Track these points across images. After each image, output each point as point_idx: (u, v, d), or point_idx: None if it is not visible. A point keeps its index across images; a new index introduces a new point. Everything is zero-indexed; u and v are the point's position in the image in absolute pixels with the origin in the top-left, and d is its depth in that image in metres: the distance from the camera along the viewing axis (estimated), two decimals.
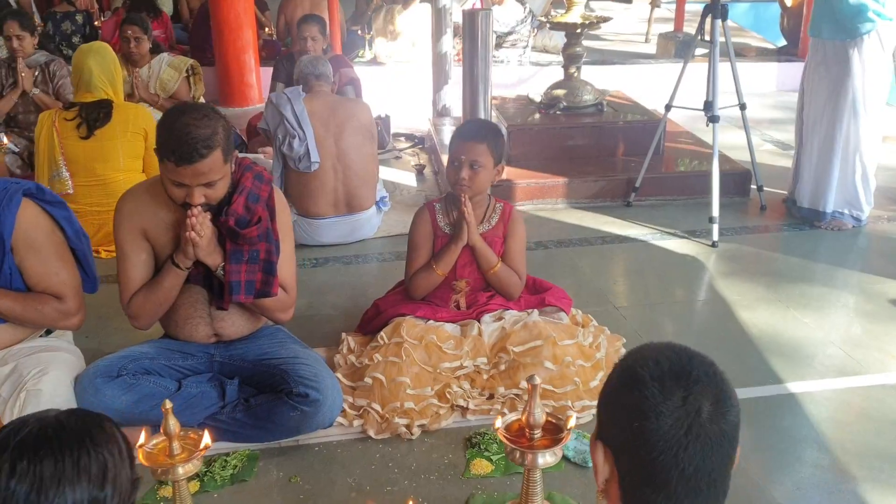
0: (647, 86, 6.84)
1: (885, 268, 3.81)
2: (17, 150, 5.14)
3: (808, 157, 4.19)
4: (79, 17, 7.74)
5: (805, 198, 4.24)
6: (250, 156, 4.80)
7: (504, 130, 4.98)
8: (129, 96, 5.53)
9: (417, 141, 5.92)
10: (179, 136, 2.28)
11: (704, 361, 1.16)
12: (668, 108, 4.43)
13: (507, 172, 4.68)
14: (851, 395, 2.78)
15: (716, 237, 4.02)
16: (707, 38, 4.22)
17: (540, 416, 2.03)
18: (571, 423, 2.03)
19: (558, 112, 5.10)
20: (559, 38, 8.86)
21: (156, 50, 5.63)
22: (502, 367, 2.72)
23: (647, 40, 9.43)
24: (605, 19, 5.16)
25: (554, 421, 2.08)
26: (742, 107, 4.39)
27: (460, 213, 2.82)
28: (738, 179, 4.71)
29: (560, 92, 5.14)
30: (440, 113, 6.14)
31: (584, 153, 4.92)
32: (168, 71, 5.57)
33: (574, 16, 5.00)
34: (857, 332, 3.22)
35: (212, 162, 2.31)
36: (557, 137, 4.93)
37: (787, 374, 2.90)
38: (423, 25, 7.42)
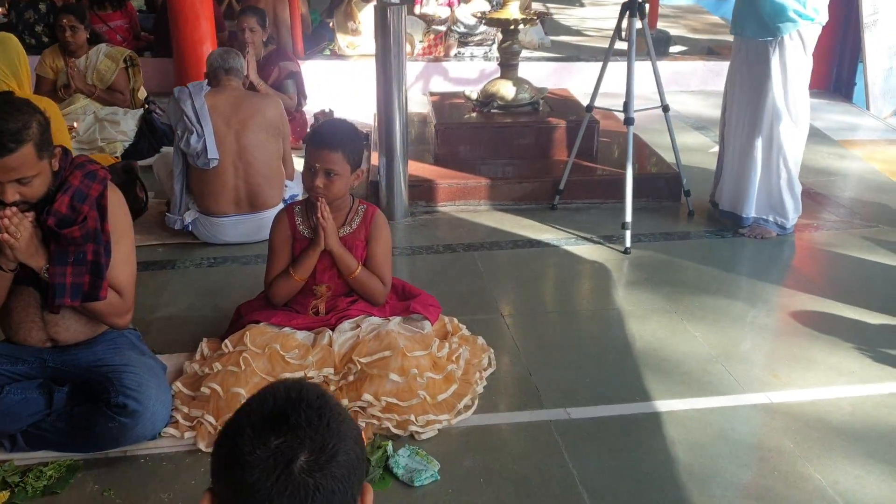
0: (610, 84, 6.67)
1: (798, 279, 3.66)
2: None
3: (729, 158, 4.04)
4: (42, 6, 7.68)
5: (726, 201, 4.10)
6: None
7: (432, 129, 4.87)
8: (66, 87, 5.47)
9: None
10: None
11: (314, 405, 1.05)
12: (588, 108, 4.29)
13: (430, 171, 4.58)
14: (716, 416, 2.64)
15: (628, 244, 3.88)
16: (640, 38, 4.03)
17: None
18: None
19: (493, 110, 4.98)
20: (535, 34, 8.75)
21: (94, 40, 5.56)
22: (351, 378, 2.61)
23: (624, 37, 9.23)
24: (544, 15, 5.02)
25: None
26: (665, 108, 4.23)
27: (316, 219, 2.71)
28: (671, 183, 4.56)
29: (495, 89, 5.01)
30: None
31: (515, 153, 4.79)
32: (105, 61, 5.49)
33: (510, 12, 4.87)
34: (746, 347, 3.08)
35: (21, 157, 2.22)
36: (487, 136, 4.81)
37: (658, 392, 2.77)
38: None
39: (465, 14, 7.53)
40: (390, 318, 2.82)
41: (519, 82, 5.03)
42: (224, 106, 3.87)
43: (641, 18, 4.01)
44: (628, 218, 3.89)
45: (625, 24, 4.04)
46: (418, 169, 4.62)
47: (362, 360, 2.60)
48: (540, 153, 4.80)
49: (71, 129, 4.91)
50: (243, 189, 3.88)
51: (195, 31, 6.82)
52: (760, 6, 3.74)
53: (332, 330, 2.74)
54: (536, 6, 8.56)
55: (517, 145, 4.79)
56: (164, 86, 7.04)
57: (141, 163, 4.74)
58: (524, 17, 4.88)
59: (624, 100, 4.01)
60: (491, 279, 3.64)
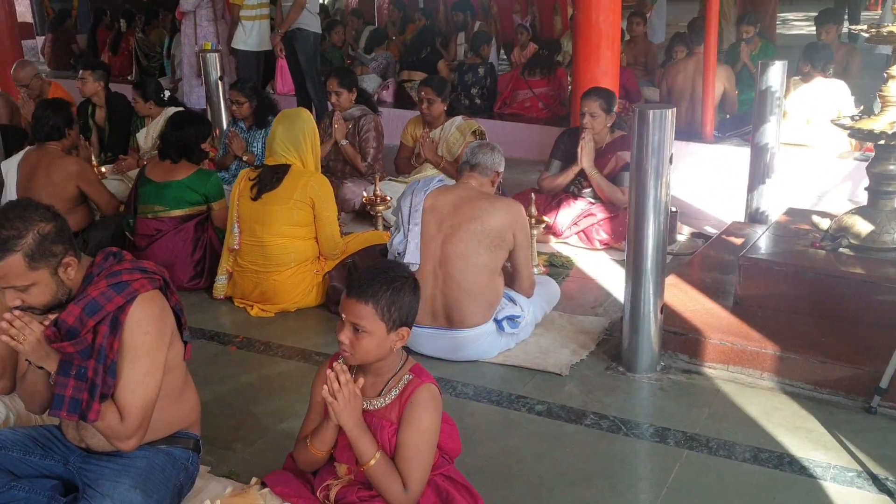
0: None
1: None
2: None
3: None
4: (481, 70, 8.10)
5: None
6: None
7: (735, 260, 3.74)
8: (417, 156, 5.60)
9: (701, 243, 4.84)
10: None
11: None
12: None
13: (710, 316, 3.53)
14: None
15: None
16: None
17: None
18: None
19: (840, 250, 3.61)
20: None
21: (452, 112, 5.55)
22: None
23: None
24: None
25: None
26: None
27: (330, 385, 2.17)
28: None
29: (850, 222, 3.63)
30: (751, 217, 4.88)
31: (843, 317, 3.39)
32: (455, 134, 5.46)
33: (883, 122, 3.47)
34: None
35: (6, 267, 2.17)
36: (809, 286, 3.49)
37: None
38: (821, 102, 6.01)
39: None
40: None
41: (892, 216, 3.57)
42: (444, 206, 3.46)
43: None
44: None
45: None
46: (699, 309, 3.58)
47: None
48: (885, 324, 3.32)
49: (386, 200, 4.98)
50: (440, 301, 3.42)
51: None
52: None
53: None
54: None
55: (850, 307, 3.39)
56: None
57: None
58: None
59: None
60: (669, 502, 2.57)
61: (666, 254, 3.32)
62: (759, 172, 4.81)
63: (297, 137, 4.05)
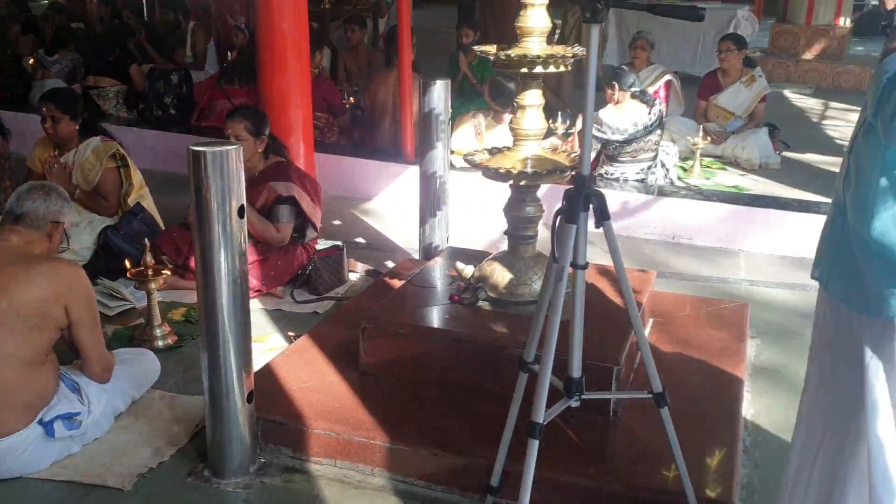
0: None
1: None
2: None
3: None
4: (174, 77, 7.17)
5: None
6: None
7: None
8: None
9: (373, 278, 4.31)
10: None
11: None
12: (521, 367, 2.31)
13: (316, 396, 2.88)
14: None
15: None
16: None
17: None
18: None
19: (480, 302, 3.14)
20: (756, 149, 6.48)
21: (86, 132, 4.60)
22: None
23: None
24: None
25: None
26: (659, 400, 2.12)
27: None
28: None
29: (491, 271, 3.16)
30: (425, 253, 4.38)
31: (473, 388, 2.91)
32: (90, 158, 4.53)
33: (515, 159, 3.02)
34: None
35: None
36: (436, 352, 2.98)
37: None
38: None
39: (614, 118, 5.51)
40: None
41: (532, 263, 3.14)
42: None
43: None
44: None
45: None
46: (315, 385, 2.96)
47: None
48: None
49: None
50: None
51: (284, 118, 5.66)
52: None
53: None
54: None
55: (478, 378, 2.91)
56: None
57: None
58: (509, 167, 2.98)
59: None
60: None
61: (248, 325, 2.64)
62: (429, 203, 4.31)
63: None
